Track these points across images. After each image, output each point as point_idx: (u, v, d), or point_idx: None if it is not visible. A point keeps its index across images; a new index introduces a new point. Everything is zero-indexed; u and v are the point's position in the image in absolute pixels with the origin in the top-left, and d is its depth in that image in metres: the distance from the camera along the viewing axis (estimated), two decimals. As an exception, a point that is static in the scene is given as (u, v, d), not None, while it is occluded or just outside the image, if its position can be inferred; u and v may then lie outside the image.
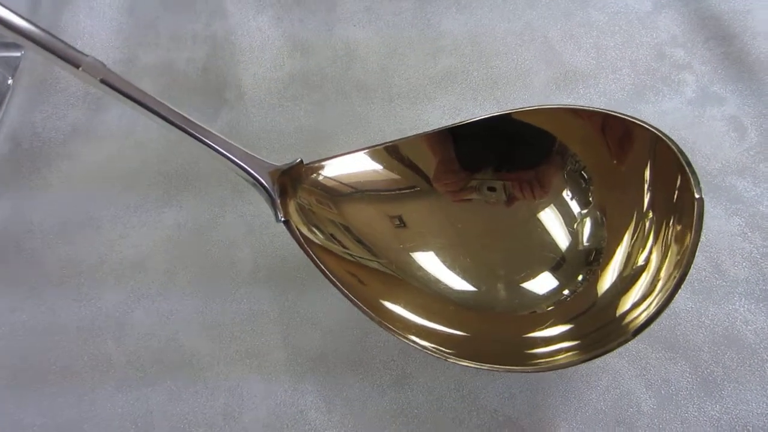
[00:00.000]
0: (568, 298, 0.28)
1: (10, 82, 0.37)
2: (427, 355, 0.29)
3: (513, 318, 0.29)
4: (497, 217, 0.31)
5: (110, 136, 0.36)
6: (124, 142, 0.36)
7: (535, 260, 0.29)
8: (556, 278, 0.29)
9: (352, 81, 0.38)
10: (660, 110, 0.36)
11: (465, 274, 0.29)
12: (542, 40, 0.39)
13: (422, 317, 0.28)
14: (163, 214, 0.34)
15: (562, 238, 0.30)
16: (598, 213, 0.29)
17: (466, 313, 0.29)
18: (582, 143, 0.30)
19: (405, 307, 0.28)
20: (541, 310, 0.28)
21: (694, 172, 0.26)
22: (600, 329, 0.26)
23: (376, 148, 0.30)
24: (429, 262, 0.29)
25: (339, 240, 0.29)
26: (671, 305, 0.24)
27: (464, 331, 0.28)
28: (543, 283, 0.29)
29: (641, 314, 0.25)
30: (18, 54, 0.38)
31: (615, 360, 0.29)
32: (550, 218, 0.30)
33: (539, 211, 0.30)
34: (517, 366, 0.26)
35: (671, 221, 0.26)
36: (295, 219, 0.28)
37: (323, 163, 0.30)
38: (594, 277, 0.28)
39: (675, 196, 0.26)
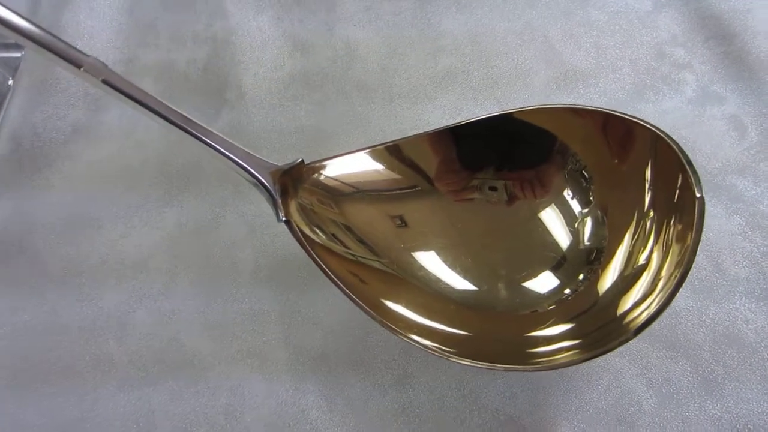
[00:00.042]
0: (569, 298, 0.28)
1: (10, 82, 0.37)
2: (429, 355, 0.29)
3: (514, 317, 0.29)
4: (498, 217, 0.31)
5: (111, 137, 0.36)
6: (124, 143, 0.36)
7: (536, 259, 0.30)
8: (557, 277, 0.29)
9: (352, 81, 0.38)
10: (660, 109, 0.36)
11: (466, 274, 0.29)
12: (542, 40, 0.39)
13: (423, 317, 0.28)
14: (164, 214, 0.34)
15: (563, 238, 0.30)
16: (599, 212, 0.29)
17: (467, 313, 0.29)
18: (583, 142, 0.30)
19: (406, 306, 0.28)
20: (542, 310, 0.28)
21: (695, 171, 0.26)
22: (601, 328, 0.26)
23: (377, 147, 0.30)
24: (430, 261, 0.30)
25: (340, 240, 0.29)
26: (672, 304, 0.24)
27: (465, 331, 0.28)
28: (544, 282, 0.29)
29: (642, 313, 0.25)
30: (18, 55, 0.38)
31: (616, 359, 0.29)
32: (551, 217, 0.30)
33: (540, 211, 0.30)
34: (518, 365, 0.26)
35: (672, 220, 0.26)
36: (296, 219, 0.28)
37: (324, 162, 0.30)
38: (595, 276, 0.28)
39: (676, 196, 0.26)
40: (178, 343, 0.30)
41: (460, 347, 0.27)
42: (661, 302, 0.24)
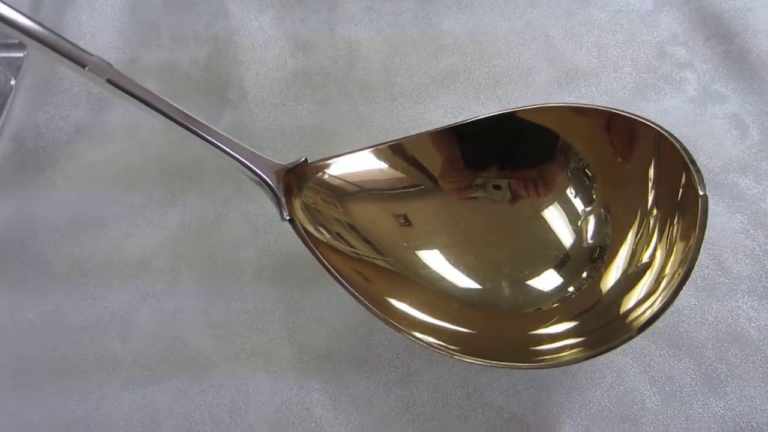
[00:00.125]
0: (573, 296, 0.28)
1: (12, 82, 0.37)
2: (433, 353, 0.29)
3: (518, 315, 0.29)
4: (501, 215, 0.31)
5: (114, 136, 0.36)
6: (127, 142, 0.36)
7: (540, 258, 0.30)
8: (561, 275, 0.29)
9: (354, 80, 0.38)
10: (662, 108, 0.36)
11: (470, 272, 0.29)
12: (544, 39, 0.39)
13: (427, 315, 0.28)
14: (167, 213, 0.34)
15: (566, 236, 0.30)
16: (602, 210, 0.29)
17: (470, 311, 0.29)
18: (586, 141, 0.30)
19: (410, 304, 0.28)
20: (545, 308, 0.28)
21: (698, 170, 0.26)
22: (604, 326, 0.26)
23: (380, 146, 0.30)
24: (434, 259, 0.30)
25: (344, 238, 0.29)
26: (675, 302, 0.24)
27: (469, 329, 0.28)
28: (547, 280, 0.29)
29: (645, 311, 0.25)
30: (21, 54, 0.38)
31: (619, 357, 0.29)
32: (554, 216, 0.30)
33: (543, 209, 0.30)
34: (521, 363, 0.26)
35: (675, 219, 0.27)
36: (300, 217, 0.28)
37: (327, 161, 0.30)
38: (598, 274, 0.28)
39: (679, 194, 0.26)
40: (182, 342, 0.30)
41: (464, 345, 0.27)
42: (664, 300, 0.24)
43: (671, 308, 0.24)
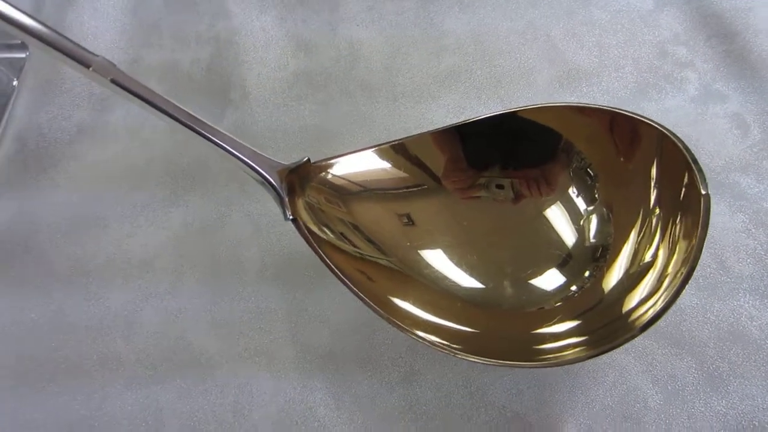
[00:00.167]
0: (575, 295, 0.28)
1: (15, 83, 0.37)
2: (435, 352, 0.29)
3: (520, 314, 0.29)
4: (504, 215, 0.31)
5: (116, 136, 0.36)
6: (129, 142, 0.36)
7: (542, 257, 0.30)
8: (563, 275, 0.29)
9: (356, 80, 0.38)
10: (663, 108, 0.36)
11: (472, 271, 0.30)
12: (545, 39, 0.39)
13: (430, 314, 0.28)
14: (170, 213, 0.34)
15: (569, 235, 0.30)
16: (604, 210, 0.29)
17: (473, 310, 0.29)
18: (588, 141, 0.30)
19: (413, 303, 0.28)
20: (548, 307, 0.28)
21: (700, 169, 0.26)
22: (607, 325, 0.26)
23: (383, 146, 0.30)
24: (437, 259, 0.30)
25: (347, 238, 0.29)
26: (676, 301, 0.24)
27: (472, 328, 0.28)
28: (550, 279, 0.29)
29: (648, 310, 0.25)
30: (23, 55, 0.38)
31: (621, 356, 0.29)
32: (556, 215, 0.30)
33: (546, 209, 0.30)
34: (524, 362, 0.26)
35: (678, 218, 0.27)
36: (304, 217, 0.28)
37: (330, 161, 0.30)
38: (601, 273, 0.28)
39: (681, 193, 0.27)
40: (186, 342, 0.30)
41: (467, 344, 0.27)
42: (666, 300, 0.24)
43: (673, 307, 0.24)
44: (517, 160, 0.31)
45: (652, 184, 0.28)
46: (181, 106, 0.27)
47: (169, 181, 0.35)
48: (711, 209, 0.25)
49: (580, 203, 0.30)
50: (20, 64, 0.38)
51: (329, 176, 0.30)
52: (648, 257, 0.27)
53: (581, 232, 0.30)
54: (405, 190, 0.31)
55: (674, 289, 0.24)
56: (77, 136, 0.36)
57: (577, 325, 0.27)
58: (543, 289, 0.29)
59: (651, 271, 0.26)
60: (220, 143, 0.27)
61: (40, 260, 0.33)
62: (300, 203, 0.29)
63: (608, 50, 0.38)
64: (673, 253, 0.26)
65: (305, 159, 0.29)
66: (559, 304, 0.28)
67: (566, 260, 0.29)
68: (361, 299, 0.26)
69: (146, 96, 0.26)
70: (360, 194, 0.30)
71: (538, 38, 0.39)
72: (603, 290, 0.28)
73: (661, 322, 0.24)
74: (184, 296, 0.31)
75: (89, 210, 0.34)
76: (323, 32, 0.40)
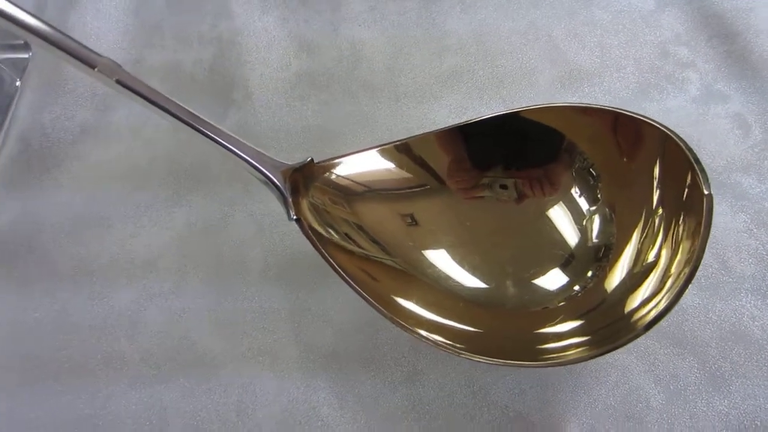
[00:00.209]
0: (578, 295, 0.28)
1: (18, 83, 0.37)
2: (438, 352, 0.29)
3: (523, 314, 0.29)
4: (507, 215, 0.31)
5: (119, 136, 0.36)
6: (133, 142, 0.36)
7: (545, 257, 0.30)
8: (566, 275, 0.29)
9: (358, 80, 0.38)
10: (664, 108, 0.36)
11: (476, 271, 0.30)
12: (547, 39, 0.39)
13: (434, 314, 0.28)
14: (173, 213, 0.34)
15: (571, 235, 0.30)
16: (607, 210, 0.30)
17: (477, 310, 0.29)
18: (590, 141, 0.30)
19: (416, 303, 0.28)
20: (551, 306, 0.29)
21: (702, 170, 0.26)
22: (610, 325, 0.26)
23: (387, 146, 0.30)
24: (440, 259, 0.30)
25: (351, 238, 0.29)
26: (678, 301, 0.24)
27: (475, 327, 0.28)
28: (553, 279, 0.29)
29: (651, 311, 0.25)
30: (26, 56, 0.38)
31: (624, 356, 0.29)
32: (559, 215, 0.30)
33: (549, 209, 0.30)
34: (527, 361, 0.26)
35: (680, 218, 0.27)
36: (307, 217, 0.28)
37: (334, 161, 0.30)
38: (603, 273, 0.28)
39: (684, 194, 0.27)
40: (189, 341, 0.30)
41: (470, 344, 0.27)
42: (669, 300, 0.24)
43: (675, 307, 0.24)
44: (520, 161, 0.31)
45: (655, 185, 0.28)
46: (186, 107, 0.27)
47: (172, 181, 0.35)
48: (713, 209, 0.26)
49: (583, 203, 0.30)
50: (23, 65, 0.38)
51: (333, 176, 0.30)
52: (651, 257, 0.27)
53: (584, 232, 0.30)
54: (408, 190, 0.31)
55: (677, 289, 0.24)
56: (80, 136, 0.36)
57: (580, 324, 0.27)
58: (546, 289, 0.29)
59: (654, 272, 0.26)
60: (226, 144, 0.27)
61: (43, 260, 0.33)
62: (304, 203, 0.29)
63: (610, 50, 0.38)
64: (676, 254, 0.26)
65: (308, 159, 0.29)
66: (562, 304, 0.29)
67: (569, 260, 0.29)
68: (365, 299, 0.26)
69: (151, 97, 0.26)
70: (363, 194, 0.30)
71: (540, 38, 0.39)
72: (606, 290, 0.28)
73: (662, 322, 0.24)
74: (188, 296, 0.32)
75: (93, 210, 0.34)
76: (325, 32, 0.40)
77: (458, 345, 0.26)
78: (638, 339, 0.24)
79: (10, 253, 0.33)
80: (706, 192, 0.25)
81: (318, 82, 0.38)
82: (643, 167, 0.29)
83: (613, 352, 0.25)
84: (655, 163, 0.28)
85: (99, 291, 0.32)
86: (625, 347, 0.25)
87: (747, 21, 0.38)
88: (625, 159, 0.29)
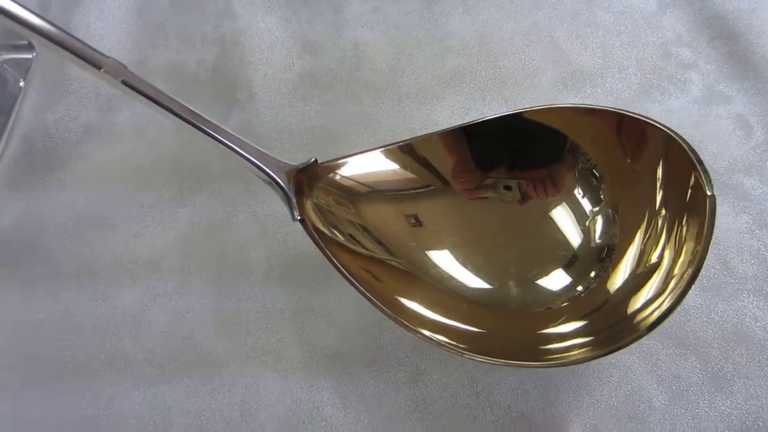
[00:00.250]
0: (581, 295, 0.28)
1: (22, 84, 0.38)
2: (441, 352, 0.29)
3: (526, 314, 0.29)
4: (510, 216, 0.31)
5: (123, 137, 0.36)
6: (136, 143, 0.36)
7: (549, 257, 0.30)
8: (569, 275, 0.29)
9: (361, 81, 0.38)
10: (666, 109, 0.36)
11: (479, 272, 0.30)
12: (549, 40, 0.39)
13: (437, 314, 0.28)
14: (177, 213, 0.34)
15: (574, 236, 0.30)
16: (610, 211, 0.30)
17: (480, 310, 0.29)
18: (593, 142, 0.30)
19: (420, 303, 0.28)
20: (554, 307, 0.29)
21: (705, 171, 0.26)
22: (613, 326, 0.26)
23: (390, 147, 0.30)
24: (444, 259, 0.30)
25: (355, 238, 0.29)
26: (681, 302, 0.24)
27: (478, 328, 0.28)
28: (556, 280, 0.29)
29: (654, 311, 0.25)
30: (30, 56, 0.38)
31: (626, 356, 0.30)
32: (563, 216, 0.30)
33: (552, 209, 0.30)
34: (530, 362, 0.26)
35: (683, 219, 0.27)
36: (312, 218, 0.28)
37: (337, 162, 0.30)
38: (606, 274, 0.28)
39: (687, 195, 0.27)
40: (193, 341, 0.31)
41: (473, 344, 0.27)
42: (672, 301, 0.24)
43: (677, 308, 0.24)
44: (523, 161, 0.31)
45: (658, 186, 0.28)
46: (192, 108, 0.27)
47: (176, 181, 0.35)
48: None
49: (586, 204, 0.30)
50: (27, 65, 0.38)
51: (336, 177, 0.30)
52: (654, 258, 0.27)
53: (587, 233, 0.30)
54: (412, 190, 0.31)
55: (680, 290, 0.24)
56: (84, 136, 0.36)
57: (583, 325, 0.27)
58: (549, 290, 0.29)
59: (657, 272, 0.27)
60: (230, 145, 0.27)
61: (47, 260, 0.33)
62: (308, 204, 0.29)
63: (612, 51, 0.38)
64: (679, 255, 0.26)
65: (312, 159, 0.29)
66: (565, 304, 0.29)
67: (572, 261, 0.29)
68: (368, 299, 0.26)
69: (157, 98, 0.27)
70: (367, 195, 0.30)
71: (542, 39, 0.39)
72: (609, 291, 0.28)
73: (665, 323, 0.24)
74: (192, 296, 0.32)
75: (96, 210, 0.34)
76: (328, 33, 0.40)
77: (461, 345, 0.26)
78: (641, 340, 0.24)
79: (13, 253, 0.33)
80: (709, 193, 0.25)
81: (321, 83, 0.38)
82: (645, 168, 0.29)
83: (616, 352, 0.25)
84: (658, 164, 0.28)
85: (102, 291, 0.32)
86: (628, 348, 0.25)
87: (749, 22, 0.39)
88: (627, 160, 0.29)
